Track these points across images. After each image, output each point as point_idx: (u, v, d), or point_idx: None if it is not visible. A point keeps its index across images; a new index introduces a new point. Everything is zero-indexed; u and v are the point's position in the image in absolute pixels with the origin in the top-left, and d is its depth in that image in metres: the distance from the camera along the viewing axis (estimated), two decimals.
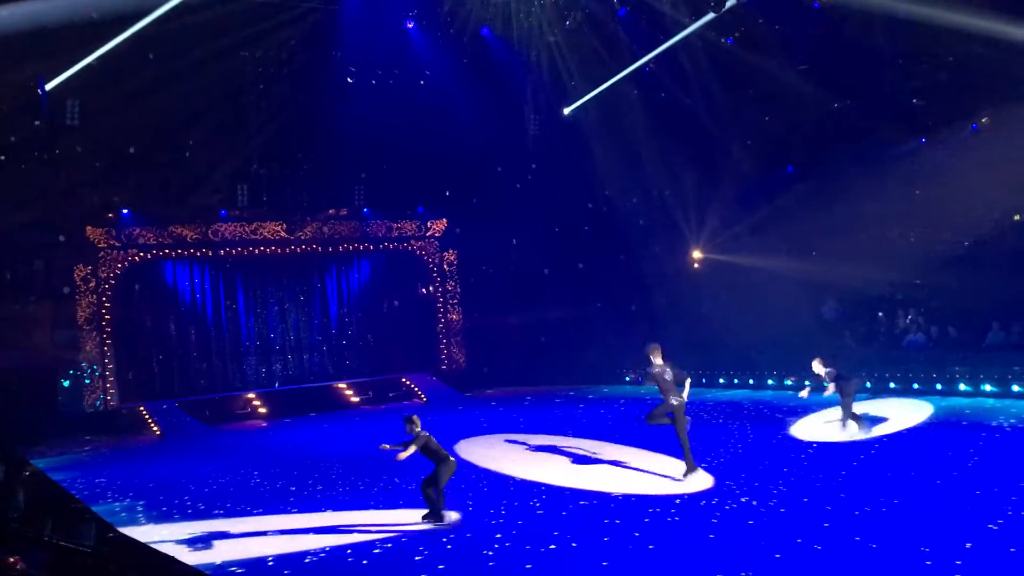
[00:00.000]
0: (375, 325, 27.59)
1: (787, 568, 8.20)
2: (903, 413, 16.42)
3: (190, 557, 10.05)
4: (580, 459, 14.51)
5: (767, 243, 23.25)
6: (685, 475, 12.11)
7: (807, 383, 15.34)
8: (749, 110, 23.94)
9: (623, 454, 14.55)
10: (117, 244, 23.46)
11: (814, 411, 17.25)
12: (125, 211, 23.50)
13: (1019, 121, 19.73)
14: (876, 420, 15.35)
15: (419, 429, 10.92)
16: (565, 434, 17.25)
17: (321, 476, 14.79)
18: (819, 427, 15.74)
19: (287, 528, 11.50)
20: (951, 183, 20.63)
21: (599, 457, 14.52)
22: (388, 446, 11.25)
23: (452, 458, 11.14)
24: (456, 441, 16.46)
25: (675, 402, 12.07)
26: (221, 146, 23.02)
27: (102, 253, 23.32)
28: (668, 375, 12.07)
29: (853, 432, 14.41)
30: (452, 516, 11.00)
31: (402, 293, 28.13)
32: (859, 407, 15.18)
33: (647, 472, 13.05)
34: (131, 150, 22.20)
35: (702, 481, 12.04)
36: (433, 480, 10.90)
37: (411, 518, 11.30)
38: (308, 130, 24.04)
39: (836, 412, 15.30)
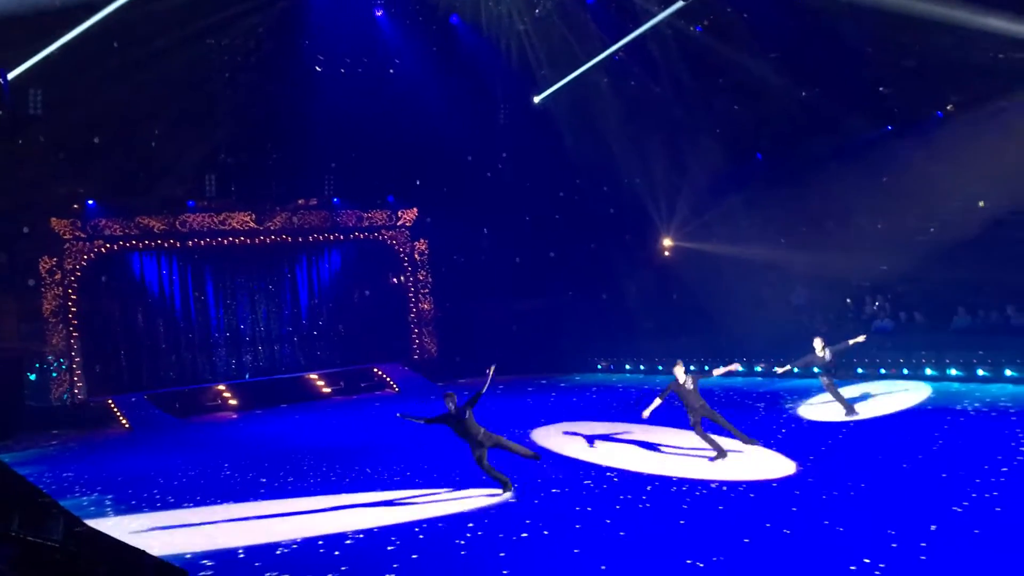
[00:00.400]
0: (346, 315, 27.49)
1: (756, 553, 8.28)
2: (901, 397, 16.61)
3: (160, 550, 9.96)
4: (552, 446, 14.55)
5: (737, 231, 23.40)
6: (715, 458, 12.32)
7: (790, 360, 15.46)
8: (718, 99, 24.06)
9: (596, 438, 14.62)
10: (83, 235, 23.18)
11: (786, 398, 17.45)
12: (91, 202, 23.24)
13: (984, 109, 20.00)
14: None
15: (455, 406, 11.17)
16: (538, 422, 17.30)
17: (292, 467, 14.73)
18: (795, 411, 15.91)
19: (258, 519, 11.45)
20: (917, 171, 20.90)
21: (571, 437, 14.59)
22: (404, 414, 11.84)
23: (482, 429, 11.19)
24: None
25: (697, 404, 12.42)
26: (188, 135, 22.74)
27: (68, 244, 23.05)
28: (689, 384, 12.40)
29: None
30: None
31: (373, 283, 28.06)
32: (856, 389, 15.32)
33: (620, 457, 13.13)
34: (96, 140, 21.89)
35: (674, 467, 12.15)
36: (477, 460, 11.23)
37: (383, 508, 11.30)
38: (276, 119, 23.81)
39: (825, 396, 15.51)
